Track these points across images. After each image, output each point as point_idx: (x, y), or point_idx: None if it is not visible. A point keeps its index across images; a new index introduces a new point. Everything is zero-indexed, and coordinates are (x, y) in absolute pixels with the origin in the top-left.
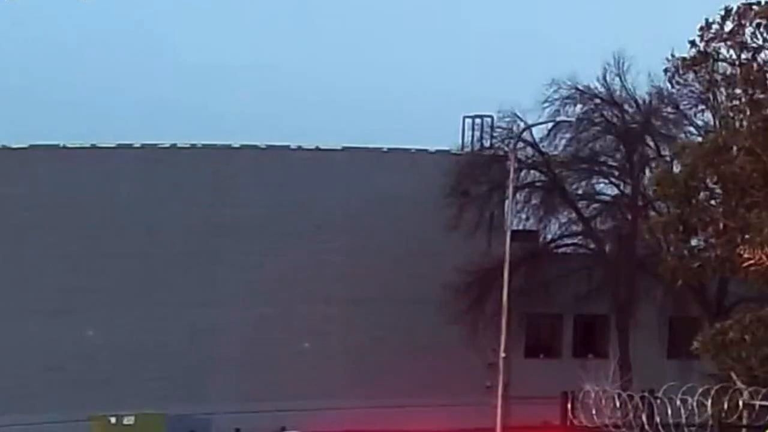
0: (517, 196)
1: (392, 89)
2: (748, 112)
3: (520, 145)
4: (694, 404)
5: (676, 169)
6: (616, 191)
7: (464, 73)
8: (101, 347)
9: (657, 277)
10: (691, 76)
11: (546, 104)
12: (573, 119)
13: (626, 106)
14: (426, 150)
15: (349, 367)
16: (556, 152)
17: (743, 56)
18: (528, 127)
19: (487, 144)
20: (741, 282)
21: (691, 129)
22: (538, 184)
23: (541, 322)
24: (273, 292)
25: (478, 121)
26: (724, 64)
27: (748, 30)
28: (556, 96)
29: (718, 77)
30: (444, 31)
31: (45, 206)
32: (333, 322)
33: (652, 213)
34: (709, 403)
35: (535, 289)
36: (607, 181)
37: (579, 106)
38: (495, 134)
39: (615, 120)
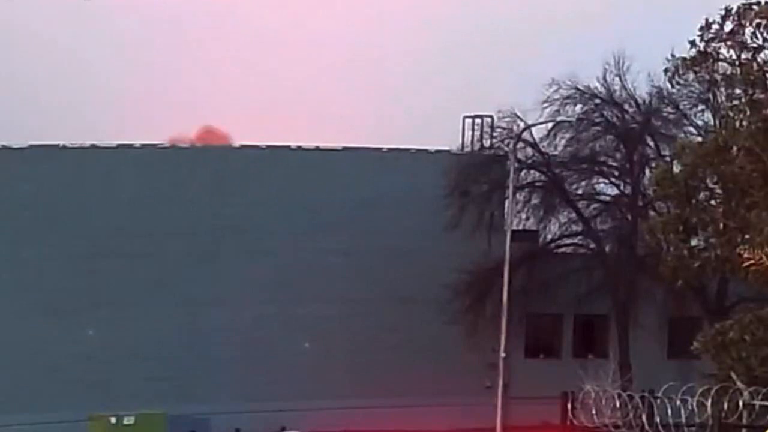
0: (517, 196)
1: (392, 89)
2: (748, 112)
3: (520, 145)
4: (694, 404)
5: (676, 169)
6: (616, 191)
7: (464, 73)
8: (101, 347)
9: (657, 277)
10: (691, 76)
11: (546, 104)
12: (573, 119)
13: (626, 106)
14: (426, 150)
15: (349, 367)
16: (556, 152)
17: (743, 56)
18: (528, 127)
19: (487, 144)
20: (741, 282)
21: (691, 129)
22: (538, 184)
23: (541, 322)
24: (273, 292)
25: (478, 121)
26: (724, 64)
27: (748, 30)
28: (556, 96)
29: (718, 77)
30: (444, 30)
31: (45, 206)
32: (333, 322)
33: (652, 213)
34: (709, 403)
35: (535, 289)
36: (607, 181)
37: (579, 106)
38: (495, 134)
39: (615, 120)
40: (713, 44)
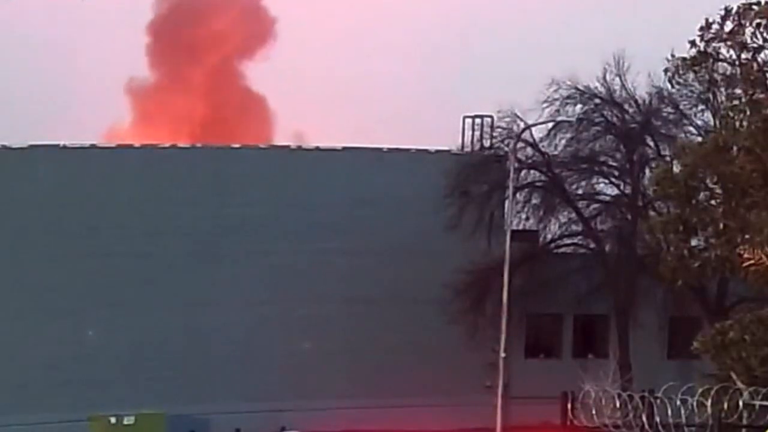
0: (517, 196)
1: (392, 89)
2: (748, 112)
3: (520, 145)
4: (694, 404)
5: (676, 169)
6: (616, 191)
7: (464, 73)
8: (101, 347)
9: (657, 277)
10: (691, 76)
11: (546, 104)
12: (573, 119)
13: (626, 106)
14: (426, 150)
15: (349, 367)
16: (556, 152)
17: (743, 56)
18: (528, 127)
19: (487, 144)
20: (741, 282)
21: (691, 129)
22: (538, 184)
23: (541, 322)
24: (273, 292)
25: (478, 121)
26: (724, 64)
27: (748, 30)
28: (556, 96)
29: (718, 77)
30: (444, 30)
31: (45, 206)
32: (333, 321)
33: (652, 213)
34: (709, 403)
35: (535, 289)
36: (607, 181)
37: (579, 106)
38: (495, 134)
39: (615, 120)
40: (713, 44)
